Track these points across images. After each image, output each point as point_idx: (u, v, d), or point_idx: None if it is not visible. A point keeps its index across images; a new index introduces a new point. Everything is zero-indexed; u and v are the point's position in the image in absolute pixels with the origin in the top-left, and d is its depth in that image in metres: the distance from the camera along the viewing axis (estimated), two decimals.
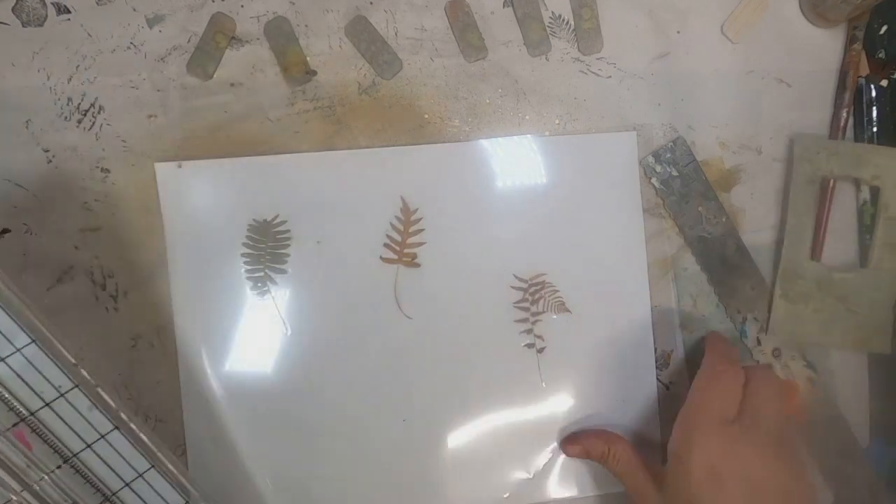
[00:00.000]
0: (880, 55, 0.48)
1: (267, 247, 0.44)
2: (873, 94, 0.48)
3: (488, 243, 0.46)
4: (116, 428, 0.35)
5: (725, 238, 0.47)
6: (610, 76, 0.47)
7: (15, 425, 0.32)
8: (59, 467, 0.33)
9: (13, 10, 0.44)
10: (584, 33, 0.47)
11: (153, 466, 0.36)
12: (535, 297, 0.45)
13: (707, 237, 0.47)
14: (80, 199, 0.44)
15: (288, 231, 0.45)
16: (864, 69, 0.48)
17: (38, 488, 0.33)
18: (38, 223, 0.44)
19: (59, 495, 0.33)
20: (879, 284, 0.47)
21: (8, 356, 0.32)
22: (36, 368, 0.32)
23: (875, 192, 0.47)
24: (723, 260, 0.47)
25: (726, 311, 0.48)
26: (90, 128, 0.44)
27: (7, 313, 0.32)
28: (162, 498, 0.36)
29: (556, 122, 0.47)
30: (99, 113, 0.45)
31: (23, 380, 0.32)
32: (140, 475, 0.36)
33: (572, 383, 0.46)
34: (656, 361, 0.47)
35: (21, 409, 0.32)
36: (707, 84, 0.48)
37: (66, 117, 0.44)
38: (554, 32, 0.47)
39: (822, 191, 0.47)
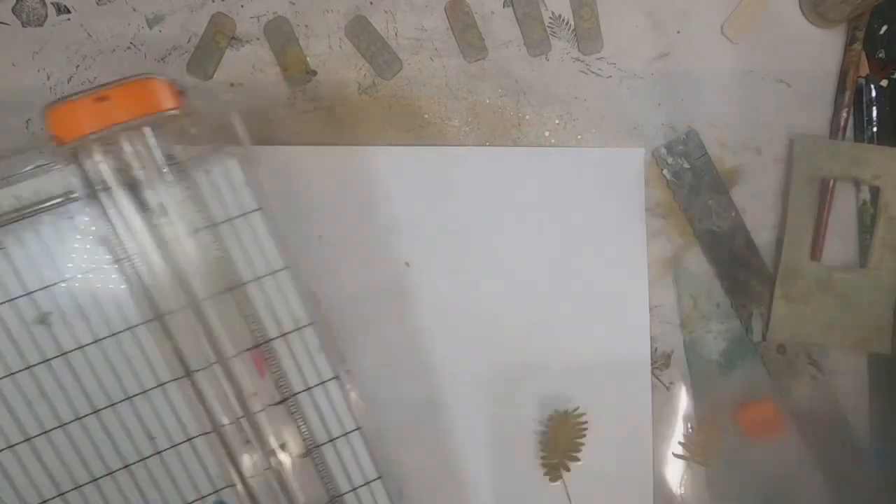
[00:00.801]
0: (880, 55, 0.48)
1: None
2: (873, 94, 0.48)
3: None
4: (336, 377, 0.33)
5: (734, 232, 0.47)
6: (610, 76, 0.47)
7: (255, 347, 0.31)
8: (277, 403, 0.32)
9: (13, 10, 0.44)
10: (584, 33, 0.47)
11: (358, 429, 0.34)
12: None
13: (716, 231, 0.47)
14: None
15: None
16: (864, 69, 0.48)
17: (252, 420, 0.31)
18: None
19: (271, 430, 0.31)
20: (879, 284, 0.47)
21: (263, 276, 0.31)
22: (283, 296, 0.31)
23: (875, 192, 0.47)
24: (731, 254, 0.47)
25: (732, 305, 0.48)
26: None
27: (274, 237, 0.31)
28: (358, 464, 0.34)
29: (556, 121, 0.47)
30: None
31: (269, 305, 0.31)
32: (345, 434, 0.33)
33: None
34: (657, 362, 0.47)
35: (260, 334, 0.31)
36: (707, 84, 0.48)
37: None
38: (554, 32, 0.47)
39: (822, 191, 0.47)
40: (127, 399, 0.30)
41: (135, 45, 0.45)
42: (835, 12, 0.47)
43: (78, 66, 0.44)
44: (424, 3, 0.46)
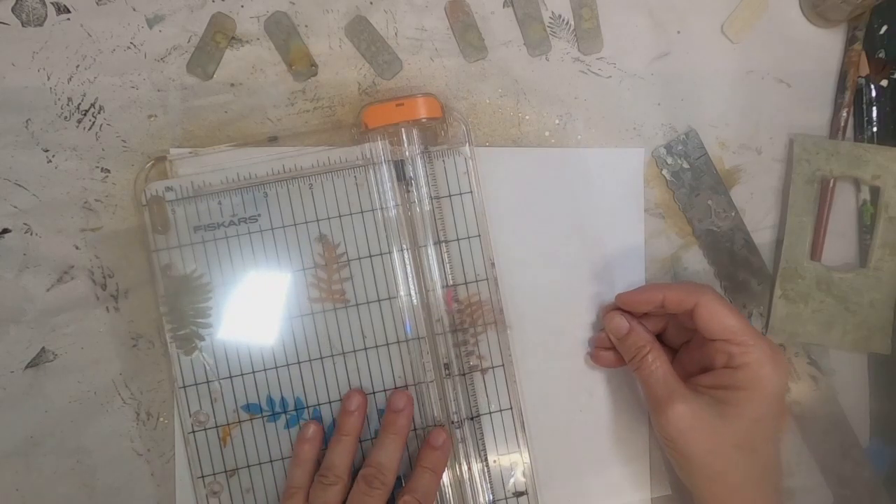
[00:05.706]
0: (880, 55, 0.48)
1: None
2: (873, 94, 0.48)
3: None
4: (495, 322, 0.45)
5: (734, 232, 0.47)
6: (610, 76, 0.47)
7: (448, 286, 0.44)
8: (453, 331, 0.44)
9: (13, 10, 0.44)
10: (584, 33, 0.47)
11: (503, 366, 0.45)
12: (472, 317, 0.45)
13: (715, 231, 0.47)
14: (80, 199, 0.44)
15: None
16: (864, 69, 0.48)
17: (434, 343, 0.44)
18: (38, 223, 0.44)
19: (447, 356, 0.44)
20: (879, 284, 0.47)
21: (462, 238, 0.45)
22: (471, 255, 0.45)
23: (875, 192, 0.47)
24: (730, 254, 0.47)
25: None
26: (90, 128, 0.45)
27: (475, 214, 0.45)
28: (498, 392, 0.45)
29: (556, 121, 0.47)
30: (99, 113, 0.45)
31: (462, 259, 0.45)
32: (499, 365, 0.45)
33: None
34: None
35: (453, 278, 0.45)
36: (707, 84, 0.48)
37: (66, 117, 0.44)
38: (554, 32, 0.47)
39: (822, 191, 0.47)
40: (353, 305, 0.44)
41: (135, 45, 0.45)
42: (835, 12, 0.47)
43: (78, 66, 0.44)
44: (424, 3, 0.46)
